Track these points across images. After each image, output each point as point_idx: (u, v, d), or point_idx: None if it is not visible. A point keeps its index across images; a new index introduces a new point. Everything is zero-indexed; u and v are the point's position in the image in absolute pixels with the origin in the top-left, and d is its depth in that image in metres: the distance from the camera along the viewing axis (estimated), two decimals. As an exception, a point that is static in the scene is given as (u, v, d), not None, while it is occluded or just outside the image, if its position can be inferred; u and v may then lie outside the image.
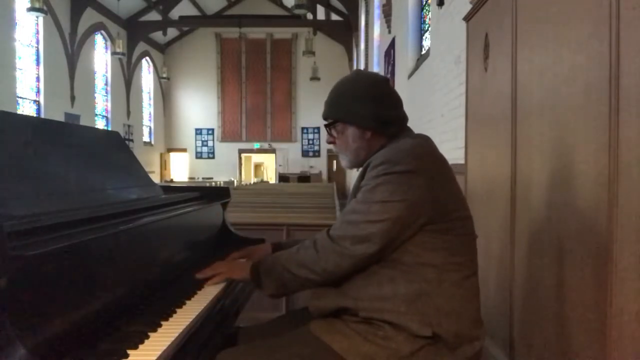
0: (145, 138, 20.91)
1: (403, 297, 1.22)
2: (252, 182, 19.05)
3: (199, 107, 22.47)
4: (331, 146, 1.49)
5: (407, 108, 1.46)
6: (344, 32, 17.90)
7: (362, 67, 14.66)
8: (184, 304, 1.35)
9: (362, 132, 1.39)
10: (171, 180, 20.49)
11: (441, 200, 1.25)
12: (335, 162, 21.18)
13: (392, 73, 8.32)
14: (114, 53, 16.40)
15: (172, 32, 20.72)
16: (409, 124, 1.46)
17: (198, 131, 22.59)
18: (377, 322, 1.23)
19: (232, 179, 20.17)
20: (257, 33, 21.72)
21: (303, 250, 1.32)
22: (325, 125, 1.47)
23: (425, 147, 1.34)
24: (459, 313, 1.24)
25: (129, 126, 18.85)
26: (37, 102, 13.84)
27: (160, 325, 1.17)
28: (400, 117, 1.43)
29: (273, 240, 1.84)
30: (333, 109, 1.44)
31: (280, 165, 22.39)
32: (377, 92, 1.40)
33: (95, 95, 17.03)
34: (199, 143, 22.67)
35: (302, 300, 2.94)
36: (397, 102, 1.43)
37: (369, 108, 1.37)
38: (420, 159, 1.27)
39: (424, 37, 6.74)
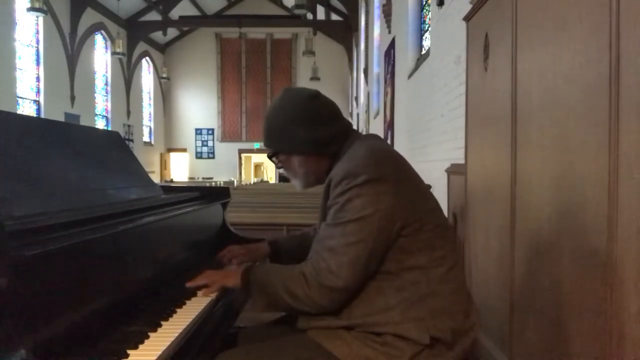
0: (145, 138, 20.92)
1: (395, 307, 1.21)
2: (252, 182, 19.08)
3: (198, 107, 22.48)
4: None
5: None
6: (344, 32, 17.90)
7: (362, 66, 14.67)
8: (184, 304, 1.35)
9: (305, 158, 1.38)
10: (171, 180, 20.50)
11: (410, 200, 1.23)
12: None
13: (392, 73, 8.32)
14: (114, 53, 16.42)
15: (172, 32, 20.72)
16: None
17: (198, 131, 22.60)
18: (375, 332, 1.23)
19: (232, 179, 20.17)
20: (257, 33, 21.73)
21: (292, 282, 1.24)
22: (268, 156, 1.45)
23: (380, 148, 1.30)
24: (450, 310, 1.25)
25: (129, 126, 18.85)
26: (37, 102, 13.84)
27: (160, 325, 1.17)
28: (340, 130, 1.38)
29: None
30: (270, 141, 1.41)
31: (280, 165, 22.36)
32: (309, 113, 1.35)
33: (95, 95, 17.04)
34: (199, 143, 22.68)
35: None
36: (332, 116, 1.38)
37: (304, 134, 1.33)
38: (381, 164, 1.23)
39: (424, 37, 6.74)
